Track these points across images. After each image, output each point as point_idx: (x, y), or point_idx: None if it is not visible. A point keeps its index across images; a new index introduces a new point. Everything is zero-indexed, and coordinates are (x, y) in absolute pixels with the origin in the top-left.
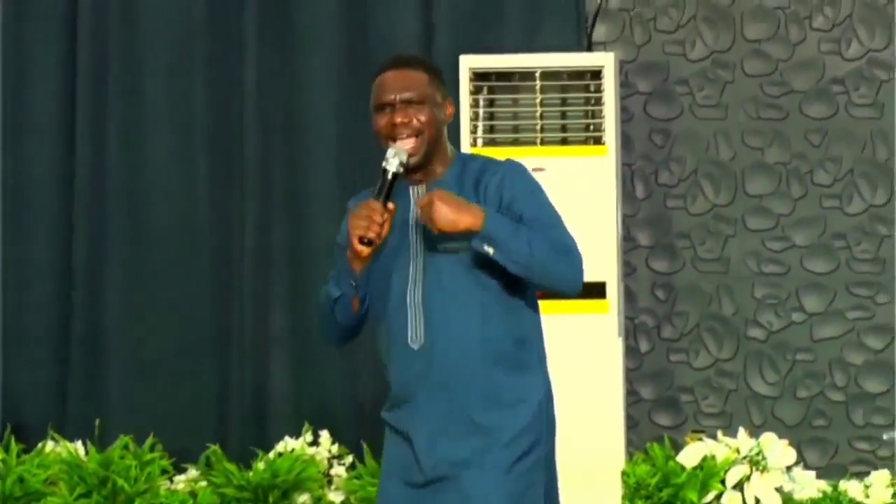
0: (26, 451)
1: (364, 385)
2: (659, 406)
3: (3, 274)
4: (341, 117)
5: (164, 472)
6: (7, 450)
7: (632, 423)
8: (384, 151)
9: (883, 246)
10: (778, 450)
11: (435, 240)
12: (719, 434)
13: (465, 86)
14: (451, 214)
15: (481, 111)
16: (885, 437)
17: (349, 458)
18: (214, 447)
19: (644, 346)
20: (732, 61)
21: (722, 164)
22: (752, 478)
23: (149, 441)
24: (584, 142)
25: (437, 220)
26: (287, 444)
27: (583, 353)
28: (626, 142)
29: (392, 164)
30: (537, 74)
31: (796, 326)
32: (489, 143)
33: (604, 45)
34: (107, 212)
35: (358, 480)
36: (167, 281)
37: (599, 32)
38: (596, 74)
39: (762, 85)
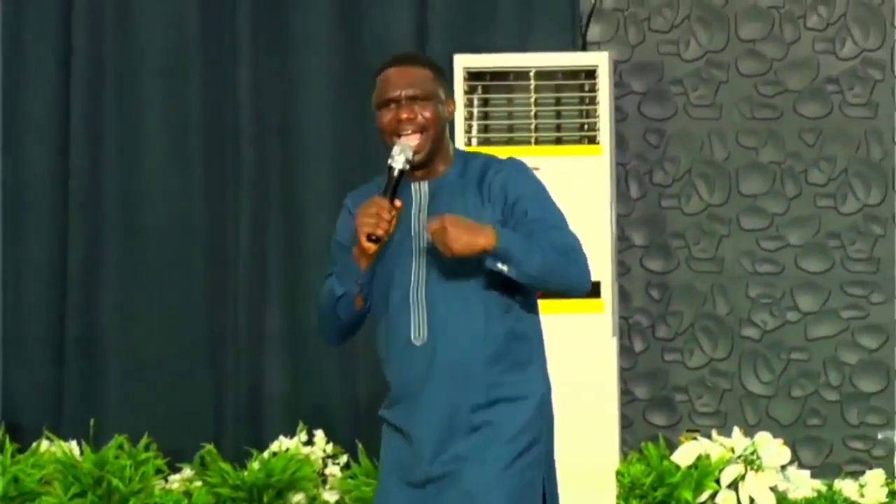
0: (21, 450)
1: (359, 385)
2: (653, 405)
3: None
4: (336, 117)
5: (158, 471)
6: (2, 449)
7: (626, 423)
8: (384, 150)
9: (877, 245)
10: (772, 449)
11: None
12: (714, 433)
13: (459, 85)
14: (466, 237)
15: (476, 111)
16: (879, 436)
17: (344, 458)
18: (209, 447)
19: (638, 346)
20: (727, 61)
21: (716, 164)
22: (747, 477)
23: (143, 441)
24: (579, 141)
25: (451, 244)
26: (282, 443)
27: (577, 353)
28: (620, 141)
29: (398, 161)
30: (532, 74)
31: (791, 326)
32: (483, 142)
33: (598, 45)
34: (102, 212)
35: (352, 480)
36: (163, 281)
37: (594, 32)
38: (590, 74)
39: (756, 85)
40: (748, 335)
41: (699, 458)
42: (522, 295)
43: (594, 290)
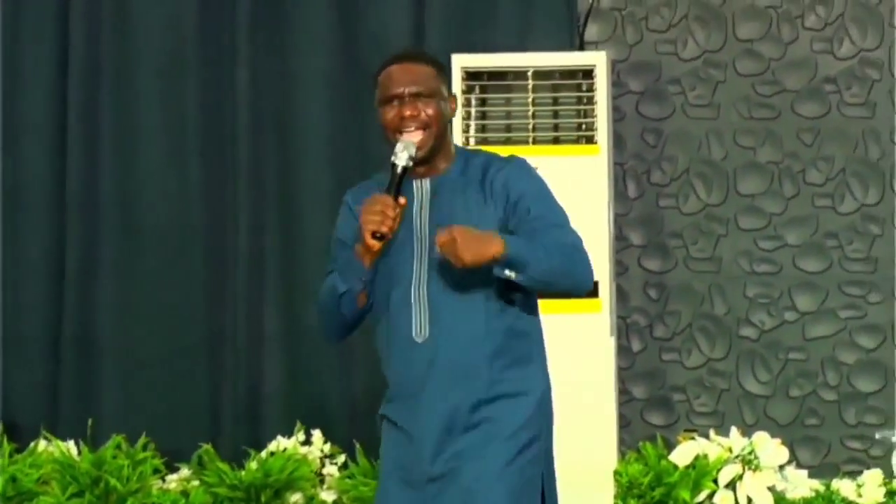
0: (19, 450)
1: (356, 384)
2: (651, 405)
3: None
4: (334, 117)
5: (156, 471)
6: None
7: (624, 423)
8: (381, 150)
9: (875, 245)
10: (770, 449)
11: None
12: (712, 433)
13: (457, 85)
14: (476, 248)
15: (473, 110)
16: (877, 436)
17: (341, 458)
18: (207, 446)
19: (636, 346)
20: (724, 61)
21: (714, 164)
22: (745, 477)
23: (141, 440)
24: (576, 141)
25: (462, 255)
26: (279, 443)
27: (575, 353)
28: (618, 141)
29: (401, 158)
30: (529, 74)
31: (788, 326)
32: (481, 142)
33: (596, 45)
34: (100, 213)
35: (350, 480)
36: (160, 281)
37: (591, 32)
38: (588, 74)
39: (754, 84)
40: (746, 335)
41: (697, 457)
42: (523, 293)
43: (592, 290)
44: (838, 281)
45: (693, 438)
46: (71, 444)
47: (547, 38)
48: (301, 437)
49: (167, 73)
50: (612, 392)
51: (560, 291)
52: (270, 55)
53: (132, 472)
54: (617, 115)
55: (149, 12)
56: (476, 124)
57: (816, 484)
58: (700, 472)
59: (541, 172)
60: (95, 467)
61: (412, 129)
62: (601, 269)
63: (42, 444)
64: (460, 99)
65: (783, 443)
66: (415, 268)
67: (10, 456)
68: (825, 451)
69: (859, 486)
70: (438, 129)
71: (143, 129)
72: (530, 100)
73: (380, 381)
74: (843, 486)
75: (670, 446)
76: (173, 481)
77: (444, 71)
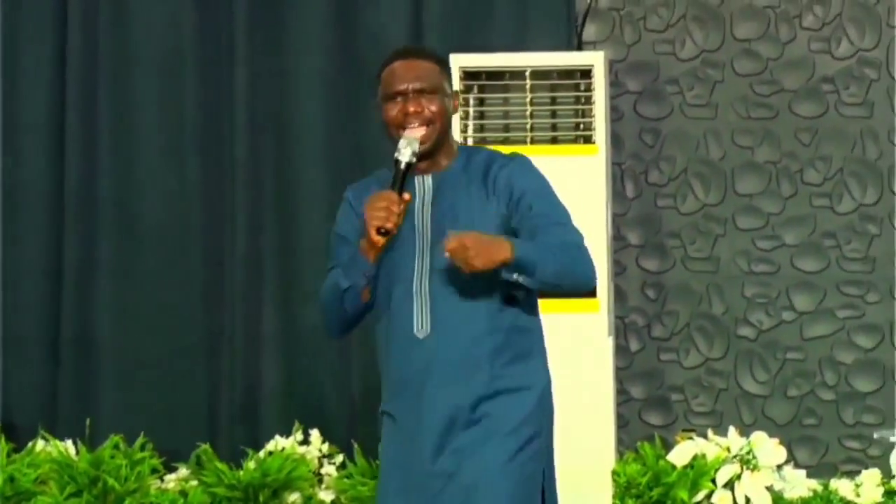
0: (17, 450)
1: (354, 384)
2: (649, 405)
3: None
4: (331, 117)
5: (154, 471)
6: None
7: (622, 423)
8: (378, 150)
9: (873, 245)
10: (768, 449)
11: (441, 230)
12: (710, 433)
13: (455, 85)
14: (486, 253)
15: (471, 110)
16: (875, 435)
17: (339, 457)
18: (205, 446)
19: (634, 346)
20: (722, 60)
21: (712, 164)
22: (743, 477)
23: (139, 440)
24: (574, 141)
25: (473, 261)
26: (277, 443)
27: (573, 353)
28: (615, 141)
29: (405, 154)
30: (527, 73)
31: (786, 325)
32: (479, 141)
33: (594, 45)
34: (98, 212)
35: (348, 479)
36: (158, 281)
37: (589, 32)
38: (586, 74)
39: (752, 84)
40: (744, 335)
41: (695, 457)
42: (524, 290)
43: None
44: (836, 281)
45: (691, 438)
46: (69, 443)
47: (545, 38)
48: (299, 436)
49: (165, 72)
50: (611, 392)
51: (565, 291)
52: (268, 55)
53: (130, 472)
54: (615, 114)
55: (147, 11)
56: (474, 124)
57: (814, 484)
58: (698, 471)
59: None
60: (93, 467)
61: (416, 124)
62: (599, 269)
63: (40, 443)
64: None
65: (781, 442)
66: (416, 264)
67: (8, 456)
68: (823, 450)
69: (857, 485)
70: (441, 125)
71: (142, 128)
72: (528, 100)
73: (378, 382)
74: (841, 485)
75: (668, 446)
76: (171, 481)
77: (447, 67)
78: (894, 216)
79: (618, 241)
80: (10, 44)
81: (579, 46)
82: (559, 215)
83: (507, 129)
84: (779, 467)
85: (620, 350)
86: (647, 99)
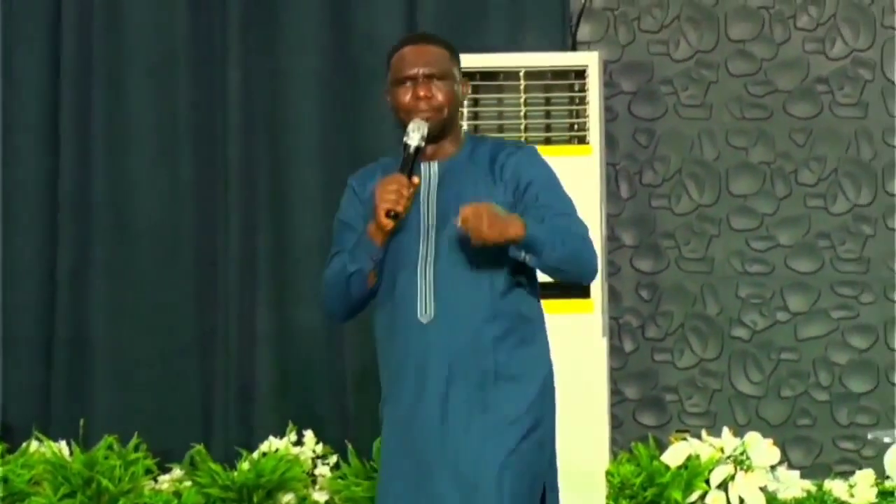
0: (10, 451)
1: (348, 385)
2: (643, 406)
3: None
4: (325, 118)
5: (148, 472)
6: None
7: (616, 423)
8: (375, 150)
9: (867, 245)
10: (762, 449)
11: (446, 216)
12: (704, 433)
13: None
14: (499, 225)
15: (465, 110)
16: (869, 436)
17: (333, 458)
18: (199, 447)
19: (628, 346)
20: (717, 61)
21: (706, 164)
22: (737, 477)
23: (133, 441)
24: (569, 141)
25: (485, 231)
26: (271, 444)
27: (567, 353)
28: (610, 141)
29: (413, 138)
30: (521, 74)
31: (781, 326)
32: None
33: (588, 45)
34: (92, 213)
35: (342, 480)
36: (152, 282)
37: (584, 32)
38: (580, 74)
39: (746, 85)
40: (738, 335)
41: (689, 458)
42: (527, 276)
43: (584, 290)
44: (830, 281)
45: (685, 439)
46: (63, 444)
47: (539, 39)
48: (293, 437)
49: (159, 72)
50: (604, 392)
51: (566, 278)
52: (262, 55)
53: (124, 473)
54: (609, 115)
55: (140, 12)
56: (468, 125)
57: (808, 484)
58: (692, 472)
59: None
60: (87, 468)
61: (425, 109)
62: None
63: (34, 444)
64: None
65: (775, 443)
66: (421, 249)
67: (2, 456)
68: (817, 451)
69: (851, 486)
70: (450, 111)
71: (135, 129)
72: (522, 100)
73: (373, 382)
74: (835, 486)
75: (662, 447)
76: (165, 482)
77: (457, 54)
78: (888, 217)
79: (612, 241)
80: (3, 45)
81: (573, 47)
82: (565, 206)
83: (501, 129)
84: (773, 468)
85: (614, 350)
86: (642, 99)
